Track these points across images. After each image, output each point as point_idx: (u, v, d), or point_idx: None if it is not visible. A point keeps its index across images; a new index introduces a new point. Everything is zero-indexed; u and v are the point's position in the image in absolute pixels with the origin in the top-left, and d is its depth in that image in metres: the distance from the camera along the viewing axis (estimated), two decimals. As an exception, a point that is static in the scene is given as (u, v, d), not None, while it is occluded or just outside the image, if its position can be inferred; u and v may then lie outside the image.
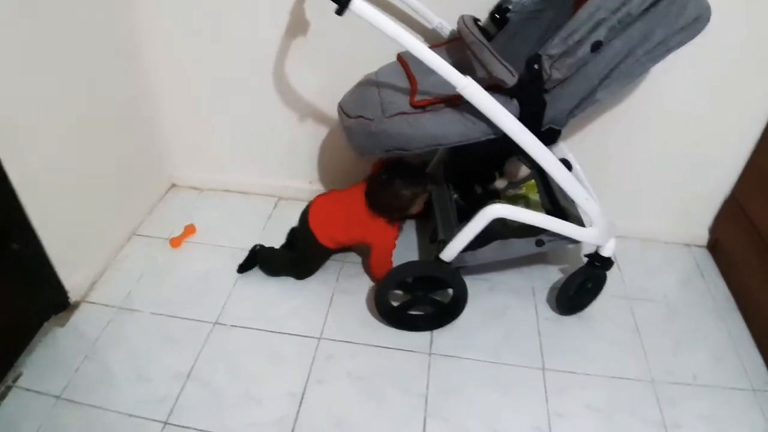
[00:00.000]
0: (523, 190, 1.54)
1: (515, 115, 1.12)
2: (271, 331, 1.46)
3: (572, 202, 1.35)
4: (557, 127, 1.18)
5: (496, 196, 1.56)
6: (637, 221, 1.81)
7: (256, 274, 1.63)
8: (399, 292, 1.46)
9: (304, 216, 1.53)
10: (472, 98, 1.07)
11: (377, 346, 1.44)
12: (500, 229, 1.42)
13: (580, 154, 1.44)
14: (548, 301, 1.60)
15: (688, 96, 1.54)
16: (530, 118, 1.13)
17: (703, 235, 1.83)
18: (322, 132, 1.76)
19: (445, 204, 1.46)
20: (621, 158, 1.69)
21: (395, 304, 1.45)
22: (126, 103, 1.68)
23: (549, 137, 1.19)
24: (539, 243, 1.37)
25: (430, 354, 1.42)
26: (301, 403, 1.30)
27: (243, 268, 1.62)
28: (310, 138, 1.77)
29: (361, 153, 1.26)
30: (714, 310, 1.62)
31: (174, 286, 1.59)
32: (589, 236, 1.34)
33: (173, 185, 1.96)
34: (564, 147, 1.52)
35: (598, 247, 1.43)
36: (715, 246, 1.80)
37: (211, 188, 1.94)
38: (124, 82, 1.65)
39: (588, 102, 1.15)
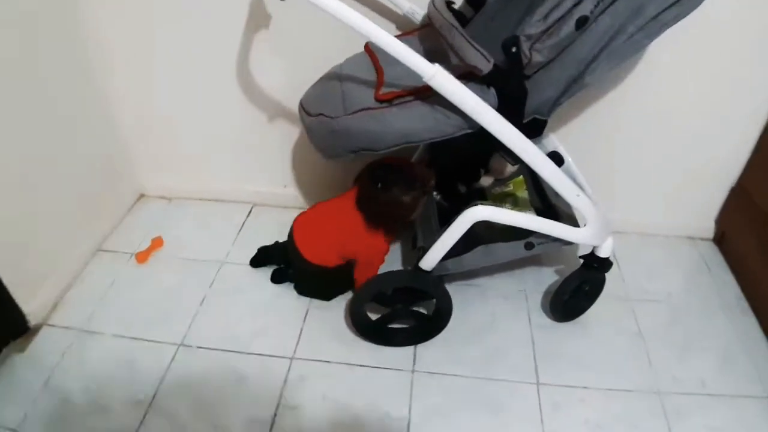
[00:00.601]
0: (510, 188, 1.39)
1: (493, 106, 0.97)
2: (240, 352, 1.32)
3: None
4: (542, 118, 1.04)
5: (481, 195, 1.41)
6: (636, 214, 1.66)
7: (226, 287, 1.50)
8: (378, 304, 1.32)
9: (293, 244, 1.37)
10: (442, 88, 0.92)
11: (355, 364, 1.30)
12: (486, 232, 1.28)
13: (571, 145, 1.30)
14: (542, 306, 1.45)
15: (689, 79, 1.40)
16: (510, 109, 0.99)
17: (708, 227, 1.68)
18: (294, 132, 1.61)
19: (426, 206, 1.32)
20: (616, 148, 1.54)
21: (374, 317, 1.31)
22: (82, 108, 1.54)
23: (533, 129, 1.05)
24: (528, 246, 1.23)
25: (413, 371, 1.28)
26: (270, 431, 1.17)
27: (276, 278, 1.51)
28: (281, 139, 1.63)
29: (324, 154, 1.12)
30: (722, 309, 1.47)
31: (138, 305, 1.45)
32: (582, 237, 1.20)
33: (142, 195, 1.82)
34: (554, 138, 1.39)
35: (594, 247, 1.29)
36: (722, 238, 1.65)
37: (182, 197, 1.80)
38: (79, 89, 1.52)
39: (576, 88, 1.00)
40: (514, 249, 1.23)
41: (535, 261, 1.58)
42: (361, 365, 1.30)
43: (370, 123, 1.01)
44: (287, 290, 1.48)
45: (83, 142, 1.55)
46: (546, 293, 1.48)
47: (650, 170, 1.58)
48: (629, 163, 1.57)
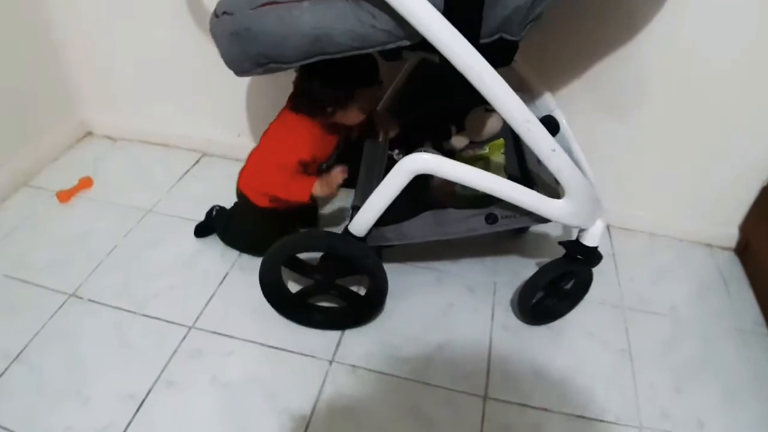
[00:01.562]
0: (485, 150, 1.09)
1: (437, 7, 0.68)
2: (134, 313, 1.07)
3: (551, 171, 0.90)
4: (511, 38, 0.73)
5: (450, 157, 1.12)
6: (646, 209, 1.34)
7: (143, 238, 1.24)
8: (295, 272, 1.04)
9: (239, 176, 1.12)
10: (365, -31, 0.64)
11: (264, 344, 1.02)
12: (445, 200, 0.99)
13: (578, 119, 1.04)
14: (512, 303, 1.14)
15: (721, 57, 1.08)
16: (464, 16, 0.69)
17: (730, 235, 1.33)
18: (251, 72, 1.34)
19: (373, 159, 1.03)
20: (629, 125, 1.22)
21: (294, 289, 1.03)
22: (28, 41, 1.34)
23: (499, 54, 0.75)
24: (491, 219, 0.93)
25: (331, 362, 0.99)
26: (138, 410, 0.90)
27: (200, 231, 1.25)
28: (235, 80, 1.34)
29: (232, 68, 0.83)
30: (737, 332, 1.13)
31: (43, 246, 1.21)
32: (559, 211, 0.89)
33: (89, 133, 1.58)
34: (551, 100, 1.10)
35: (580, 231, 0.98)
36: (745, 249, 1.30)
37: (128, 138, 1.55)
38: (28, 20, 1.32)
39: (557, -4, 0.70)
40: (473, 221, 0.93)
41: (515, 248, 1.27)
42: (270, 346, 1.02)
43: (275, 21, 0.73)
44: (212, 248, 1.22)
45: (26, 71, 1.36)
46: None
47: (668, 157, 1.25)
48: (643, 147, 1.24)
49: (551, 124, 1.13)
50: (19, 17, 1.31)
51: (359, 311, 1.03)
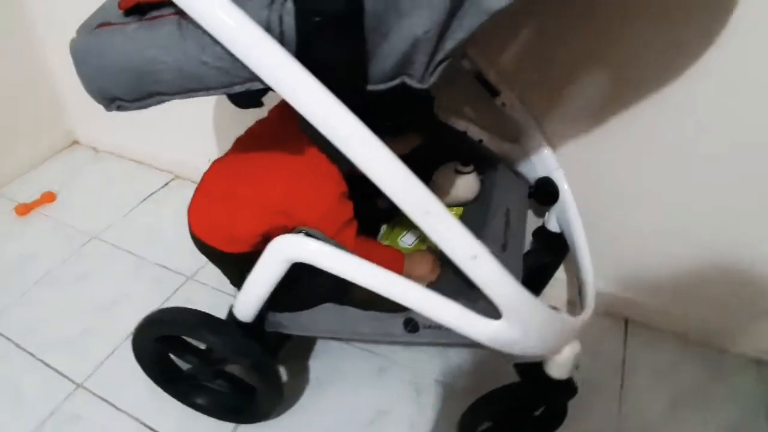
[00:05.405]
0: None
1: (288, 46, 0.45)
2: (34, 356, 0.94)
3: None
4: (417, 84, 0.49)
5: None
6: (680, 304, 0.99)
7: (76, 268, 1.12)
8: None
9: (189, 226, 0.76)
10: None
11: (143, 424, 0.83)
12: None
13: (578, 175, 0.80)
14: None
15: None
16: (324, 50, 0.46)
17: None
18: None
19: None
20: (654, 196, 0.90)
21: (184, 366, 0.83)
22: (8, 41, 1.29)
23: (397, 111, 0.51)
24: (410, 326, 0.67)
25: (208, 463, 0.79)
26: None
27: None
28: (210, 101, 1.20)
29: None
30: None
31: (-26, 267, 1.13)
32: (491, 336, 0.61)
33: (75, 142, 1.50)
34: (552, 159, 0.86)
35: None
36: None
37: (110, 151, 1.45)
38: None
39: (470, 20, 0.44)
40: (389, 323, 0.68)
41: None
42: (148, 428, 0.83)
43: (98, 49, 0.54)
44: (139, 293, 1.06)
45: (13, 78, 1.32)
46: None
47: (705, 246, 0.91)
48: (671, 230, 0.92)
49: (545, 191, 0.87)
50: (6, 26, 1.26)
51: (254, 405, 0.81)
